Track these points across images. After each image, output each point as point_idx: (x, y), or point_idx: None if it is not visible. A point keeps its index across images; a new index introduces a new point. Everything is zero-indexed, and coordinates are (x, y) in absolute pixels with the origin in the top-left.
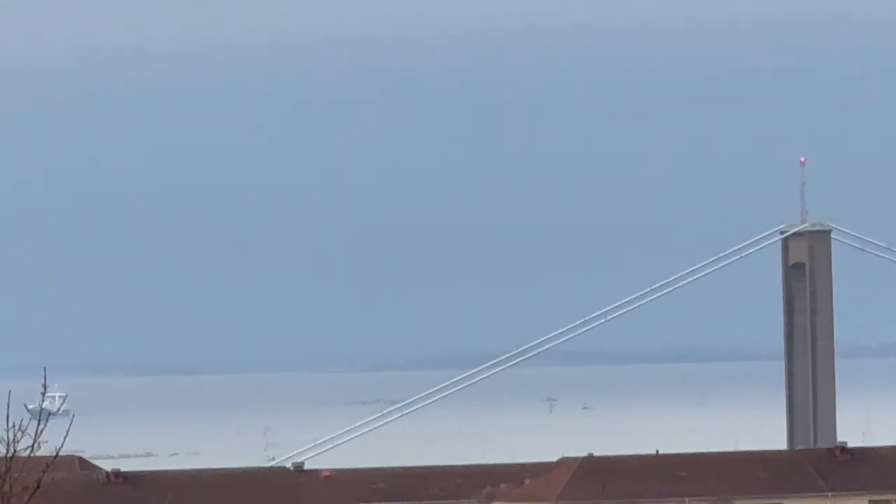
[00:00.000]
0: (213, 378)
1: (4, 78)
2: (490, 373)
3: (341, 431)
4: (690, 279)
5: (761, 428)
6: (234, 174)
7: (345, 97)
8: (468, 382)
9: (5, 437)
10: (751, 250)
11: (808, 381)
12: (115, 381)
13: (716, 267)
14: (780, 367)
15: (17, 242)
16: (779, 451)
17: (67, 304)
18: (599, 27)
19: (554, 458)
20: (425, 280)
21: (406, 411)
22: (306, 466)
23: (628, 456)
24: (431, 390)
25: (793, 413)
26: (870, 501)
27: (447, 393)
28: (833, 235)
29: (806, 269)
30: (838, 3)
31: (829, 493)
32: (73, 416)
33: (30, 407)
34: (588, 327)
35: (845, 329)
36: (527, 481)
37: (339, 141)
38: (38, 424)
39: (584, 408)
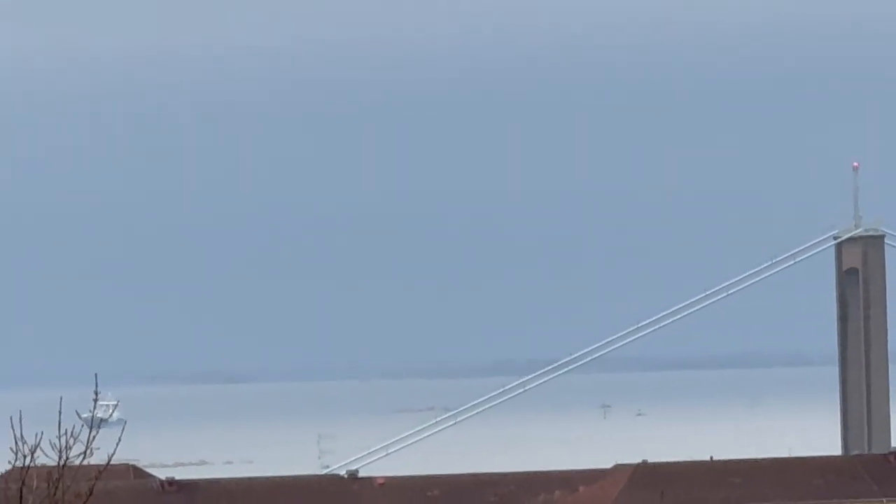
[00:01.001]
0: (266, 386)
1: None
2: (544, 379)
3: (395, 439)
4: (744, 285)
5: (815, 434)
6: (281, 183)
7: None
8: (522, 389)
9: (58, 445)
10: (804, 256)
11: (862, 387)
12: (168, 389)
13: (769, 273)
14: (833, 372)
15: (68, 251)
16: (833, 457)
17: (120, 313)
18: (640, 32)
19: (608, 465)
20: (480, 287)
21: (460, 418)
22: (361, 474)
23: (682, 462)
24: (485, 397)
25: (847, 419)
26: None
27: (501, 400)
28: (887, 241)
29: (859, 275)
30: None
31: (884, 499)
32: (126, 423)
33: (83, 415)
34: (642, 333)
35: None
36: (581, 488)
37: (392, 147)
38: (91, 431)
39: (639, 414)
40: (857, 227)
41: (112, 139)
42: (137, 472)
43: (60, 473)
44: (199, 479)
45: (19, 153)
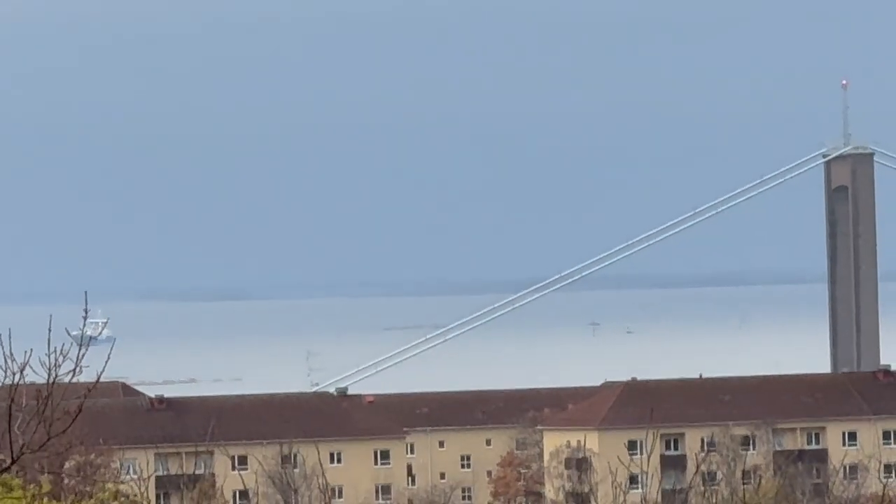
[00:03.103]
0: (255, 303)
1: None
2: (533, 297)
3: (384, 356)
4: (733, 203)
5: (804, 351)
6: (276, 90)
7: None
8: (511, 307)
9: (47, 362)
10: (793, 174)
11: (852, 305)
12: (157, 306)
13: (758, 190)
14: (823, 290)
15: (60, 167)
16: (822, 375)
17: (110, 229)
18: None
19: (597, 383)
20: (468, 204)
21: (449, 336)
22: (350, 391)
23: (671, 380)
24: (475, 315)
25: (836, 336)
26: None
27: (490, 318)
28: (876, 158)
29: (849, 193)
30: None
31: (873, 416)
32: (115, 340)
33: (72, 332)
34: (631, 251)
35: (889, 252)
36: (570, 405)
37: (399, 58)
38: (80, 349)
39: (628, 332)
40: (846, 144)
41: (103, 52)
42: (127, 390)
43: (49, 391)
44: (189, 397)
45: (15, 68)
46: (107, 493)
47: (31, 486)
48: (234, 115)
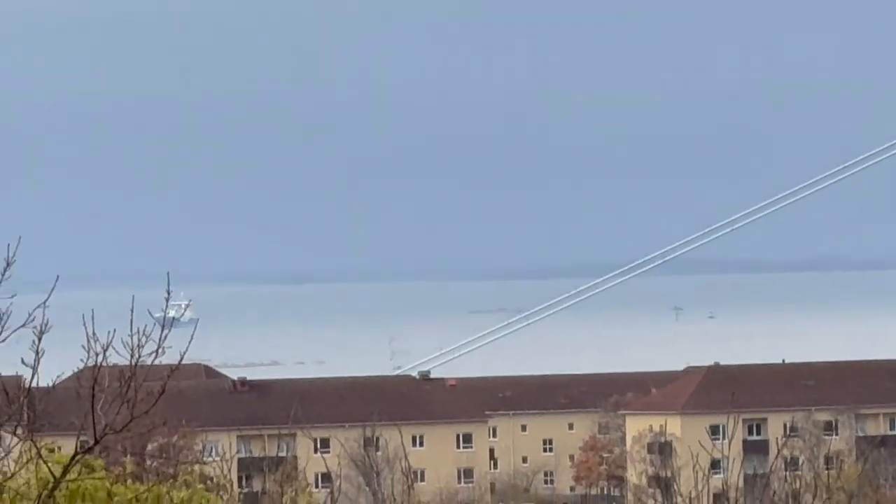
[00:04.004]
0: (339, 287)
1: None
2: (616, 282)
3: (467, 340)
4: (818, 188)
5: (889, 337)
6: (356, 80)
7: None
8: (594, 291)
9: (130, 343)
10: (877, 159)
11: None
12: (240, 289)
13: (842, 175)
14: None
15: (142, 149)
16: None
17: (194, 213)
18: None
19: (680, 367)
20: (552, 189)
21: (532, 320)
22: (432, 375)
23: (754, 365)
24: (557, 299)
25: None
26: None
27: (573, 302)
28: None
29: None
30: None
31: None
32: (198, 322)
33: (155, 314)
34: (715, 236)
35: None
36: (653, 390)
37: (481, 47)
38: (163, 331)
39: (710, 317)
40: None
41: (181, 38)
42: (209, 372)
43: (132, 372)
44: (271, 380)
45: (101, 53)
46: (191, 475)
47: (114, 467)
48: (308, 98)
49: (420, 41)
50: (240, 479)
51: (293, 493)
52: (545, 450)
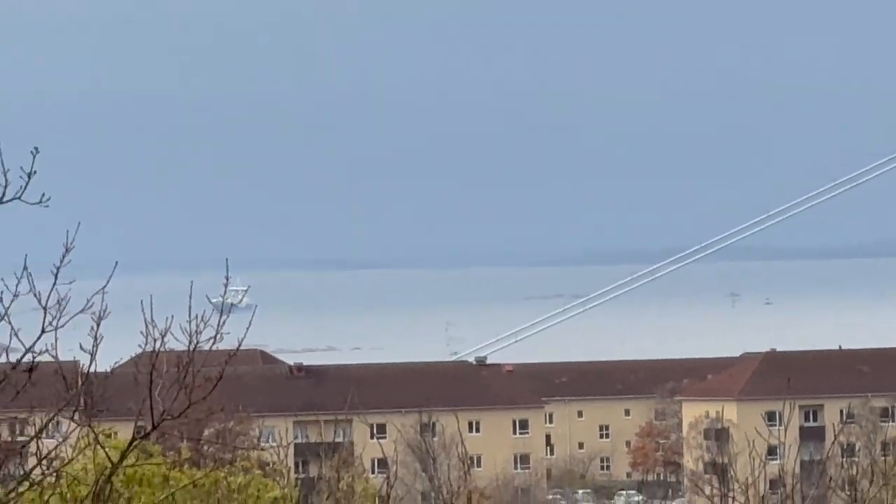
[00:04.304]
0: (396, 272)
1: None
2: (673, 268)
3: (523, 326)
4: (875, 173)
5: None
6: (410, 70)
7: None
8: (651, 277)
9: (188, 329)
10: None
11: None
12: (297, 275)
13: None
14: None
15: (200, 137)
16: None
17: (251, 198)
18: None
19: (736, 354)
20: (609, 175)
21: (589, 306)
22: (489, 361)
23: (810, 351)
24: (614, 285)
25: None
26: None
27: (630, 288)
28: None
29: None
30: None
31: None
32: (255, 308)
33: (212, 300)
34: (772, 222)
35: None
36: (709, 376)
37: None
38: (221, 316)
39: (767, 303)
40: None
41: (252, 29)
42: (266, 358)
43: (190, 357)
44: (328, 365)
45: (172, 41)
46: (248, 461)
47: (171, 453)
48: (364, 86)
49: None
50: (296, 464)
51: (350, 479)
52: (601, 436)
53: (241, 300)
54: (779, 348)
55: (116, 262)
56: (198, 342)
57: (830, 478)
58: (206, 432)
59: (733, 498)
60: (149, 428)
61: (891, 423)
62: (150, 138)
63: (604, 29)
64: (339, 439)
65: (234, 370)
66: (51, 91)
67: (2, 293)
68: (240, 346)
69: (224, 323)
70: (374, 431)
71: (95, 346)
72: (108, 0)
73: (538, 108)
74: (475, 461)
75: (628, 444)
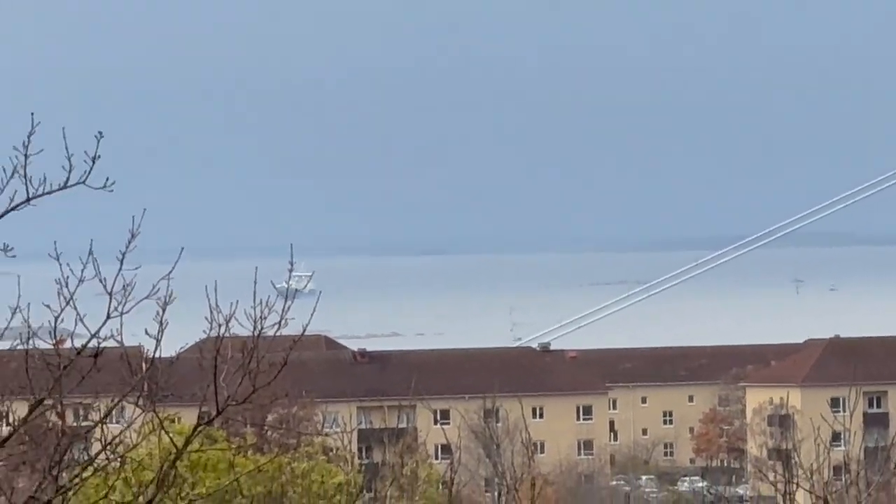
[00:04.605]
0: (458, 258)
1: None
2: (738, 254)
3: (587, 312)
4: None
5: None
6: (486, 53)
7: None
8: (715, 263)
9: (252, 315)
10: None
11: None
12: (361, 261)
13: None
14: None
15: (265, 126)
16: None
17: (314, 185)
18: None
19: (800, 340)
20: (674, 162)
21: (653, 292)
22: (552, 347)
23: (875, 337)
24: (678, 271)
25: None
26: None
27: (694, 274)
28: None
29: None
30: None
31: None
32: (320, 294)
33: (277, 285)
34: (836, 208)
35: None
36: (773, 362)
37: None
38: (285, 302)
39: (831, 289)
40: None
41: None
42: (330, 343)
43: (255, 343)
44: (391, 351)
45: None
46: (312, 447)
47: (235, 438)
48: (448, 75)
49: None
50: (360, 450)
51: (413, 465)
52: (665, 422)
53: (306, 286)
54: (843, 335)
55: (182, 248)
56: (262, 328)
57: (895, 464)
58: (269, 418)
59: (797, 484)
60: (213, 413)
61: None
62: (217, 124)
63: (679, 14)
64: (403, 425)
65: (298, 356)
66: (117, 74)
67: (67, 279)
68: (304, 331)
69: (288, 309)
70: (438, 417)
71: (160, 331)
72: None
73: (610, 96)
74: (539, 447)
75: (692, 430)
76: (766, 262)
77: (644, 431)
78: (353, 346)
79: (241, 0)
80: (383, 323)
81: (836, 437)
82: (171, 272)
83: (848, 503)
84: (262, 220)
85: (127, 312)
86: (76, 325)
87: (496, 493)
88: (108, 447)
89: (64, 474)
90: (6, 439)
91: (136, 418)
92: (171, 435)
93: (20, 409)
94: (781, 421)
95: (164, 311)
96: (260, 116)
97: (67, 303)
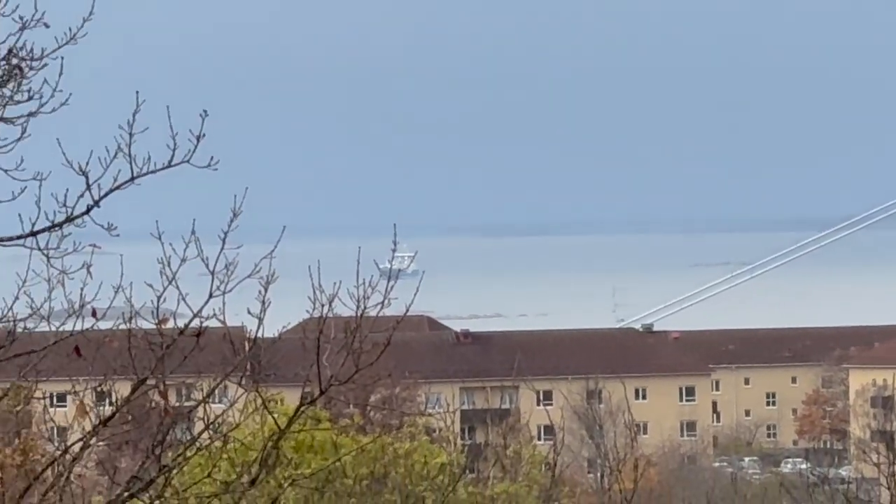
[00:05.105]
0: (562, 239)
1: None
2: (842, 234)
3: (691, 293)
4: None
5: None
6: (590, 34)
7: None
8: (819, 244)
9: (355, 295)
10: None
11: None
12: (464, 241)
13: None
14: None
15: (367, 105)
16: None
17: (417, 164)
18: None
19: None
20: (777, 141)
21: (756, 273)
22: (655, 328)
23: None
24: (782, 252)
25: None
26: None
27: (798, 255)
28: None
29: None
30: None
31: None
32: (423, 274)
33: (380, 265)
34: None
35: None
36: (876, 344)
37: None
38: (388, 282)
39: None
40: None
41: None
42: (433, 324)
43: (358, 323)
44: (494, 332)
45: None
46: (415, 427)
47: (338, 418)
48: (546, 51)
49: None
50: (462, 430)
51: (517, 446)
52: (768, 403)
53: (409, 266)
54: None
55: (284, 227)
56: (365, 308)
57: None
58: (372, 398)
59: None
60: (316, 394)
61: None
62: (319, 103)
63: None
64: (506, 406)
65: (401, 336)
66: (221, 52)
67: (170, 258)
68: (407, 312)
69: (391, 289)
70: (541, 398)
71: (263, 311)
72: None
73: (716, 78)
74: (641, 428)
75: (795, 411)
76: (869, 243)
77: (747, 413)
78: (456, 326)
79: None
80: (486, 303)
81: None
82: (273, 251)
83: None
84: (364, 200)
85: (229, 292)
86: (178, 304)
87: (599, 474)
88: (211, 427)
89: (167, 454)
90: (109, 419)
91: (238, 398)
92: (274, 415)
93: (123, 388)
94: (885, 402)
95: (266, 290)
96: (364, 95)
97: (170, 282)
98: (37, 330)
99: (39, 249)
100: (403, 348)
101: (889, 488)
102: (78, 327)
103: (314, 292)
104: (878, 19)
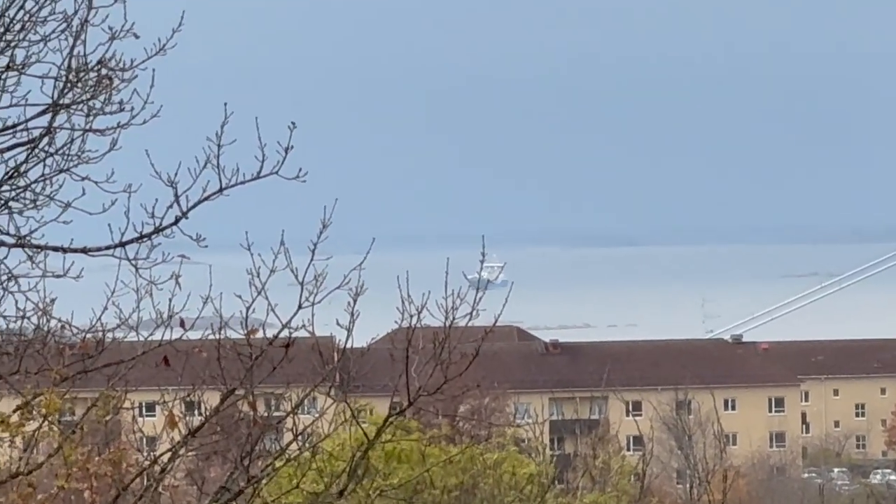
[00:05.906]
0: (651, 249)
1: None
2: None
3: (780, 304)
4: None
5: None
6: (667, 38)
7: None
8: None
9: (444, 305)
10: None
11: None
12: (554, 251)
13: None
14: None
15: (453, 115)
16: None
17: (507, 175)
18: None
19: None
20: (870, 151)
21: (845, 284)
22: (745, 339)
23: None
24: (871, 263)
25: None
26: None
27: (888, 266)
28: None
29: None
30: None
31: None
32: (512, 285)
33: (468, 276)
34: None
35: None
36: None
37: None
38: (477, 293)
39: None
40: None
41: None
42: (522, 334)
43: (446, 334)
44: (583, 342)
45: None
46: (504, 437)
47: (427, 429)
48: (629, 63)
49: None
50: (551, 441)
51: (606, 456)
52: (857, 414)
53: (498, 277)
54: None
55: (374, 238)
56: (454, 318)
57: None
58: (461, 409)
59: None
60: (405, 404)
61: None
62: (406, 115)
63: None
64: (595, 416)
65: (490, 347)
66: (310, 66)
67: (259, 269)
68: (496, 322)
69: (480, 299)
70: (630, 408)
71: (352, 321)
72: None
73: (817, 86)
74: (731, 439)
75: (884, 422)
76: None
77: (836, 424)
78: (545, 337)
79: None
80: (575, 314)
81: None
82: (362, 262)
83: None
84: (453, 211)
85: (318, 303)
86: (268, 315)
87: (688, 485)
88: (300, 437)
89: (256, 464)
90: (198, 429)
91: (327, 408)
92: (363, 425)
93: (212, 399)
94: None
95: (355, 301)
96: (451, 106)
97: (259, 293)
98: (126, 340)
99: (128, 260)
100: (492, 359)
101: None
102: (167, 337)
103: (403, 303)
104: None
